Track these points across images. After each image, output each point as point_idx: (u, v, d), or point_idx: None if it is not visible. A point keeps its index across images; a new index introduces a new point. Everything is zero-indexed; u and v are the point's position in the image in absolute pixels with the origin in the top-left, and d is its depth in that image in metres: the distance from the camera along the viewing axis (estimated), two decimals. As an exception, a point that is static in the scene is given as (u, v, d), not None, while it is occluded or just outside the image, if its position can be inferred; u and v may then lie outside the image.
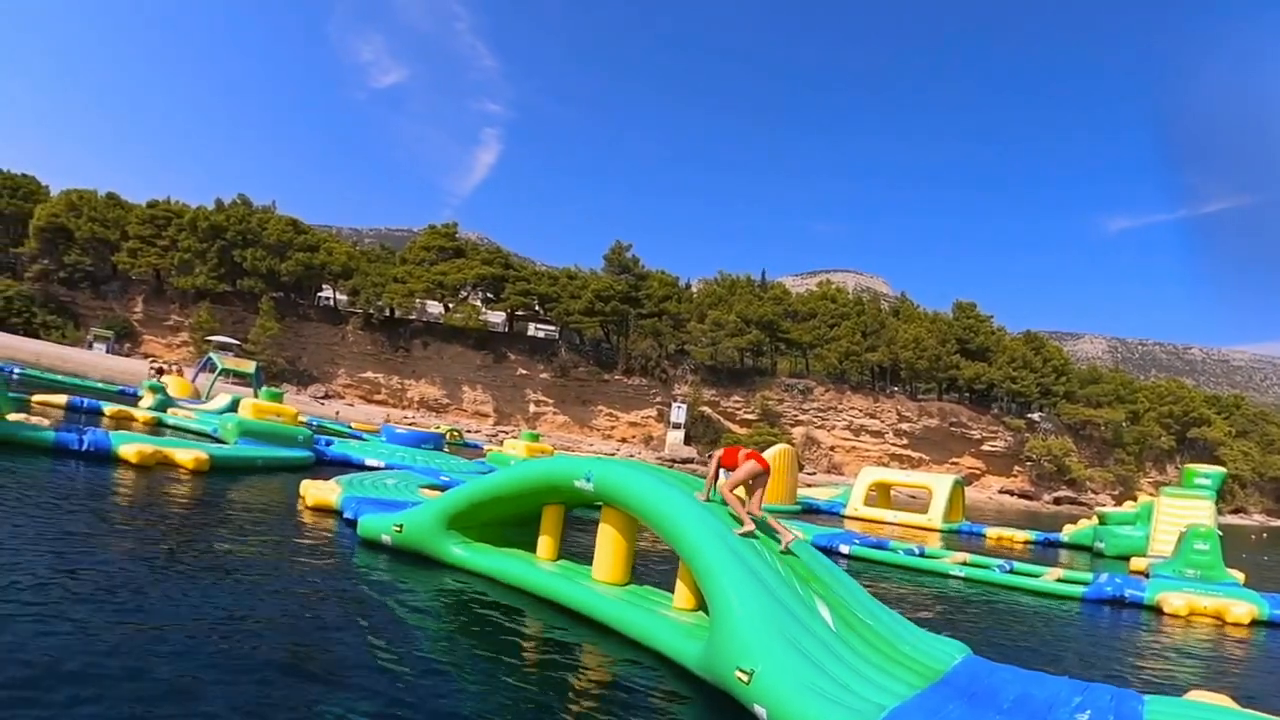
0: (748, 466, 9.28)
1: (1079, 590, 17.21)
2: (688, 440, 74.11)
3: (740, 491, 9.53)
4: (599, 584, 9.69)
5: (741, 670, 6.40)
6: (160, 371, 38.62)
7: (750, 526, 8.72)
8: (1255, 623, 16.02)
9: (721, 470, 9.53)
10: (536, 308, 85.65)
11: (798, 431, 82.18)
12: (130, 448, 15.92)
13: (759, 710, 6.12)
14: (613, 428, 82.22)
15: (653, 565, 12.99)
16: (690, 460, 67.74)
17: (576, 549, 11.64)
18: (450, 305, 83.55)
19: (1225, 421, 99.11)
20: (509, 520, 11.21)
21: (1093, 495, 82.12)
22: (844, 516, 33.53)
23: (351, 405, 73.02)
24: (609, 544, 9.86)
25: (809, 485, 46.62)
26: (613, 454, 65.28)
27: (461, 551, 10.77)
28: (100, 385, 38.72)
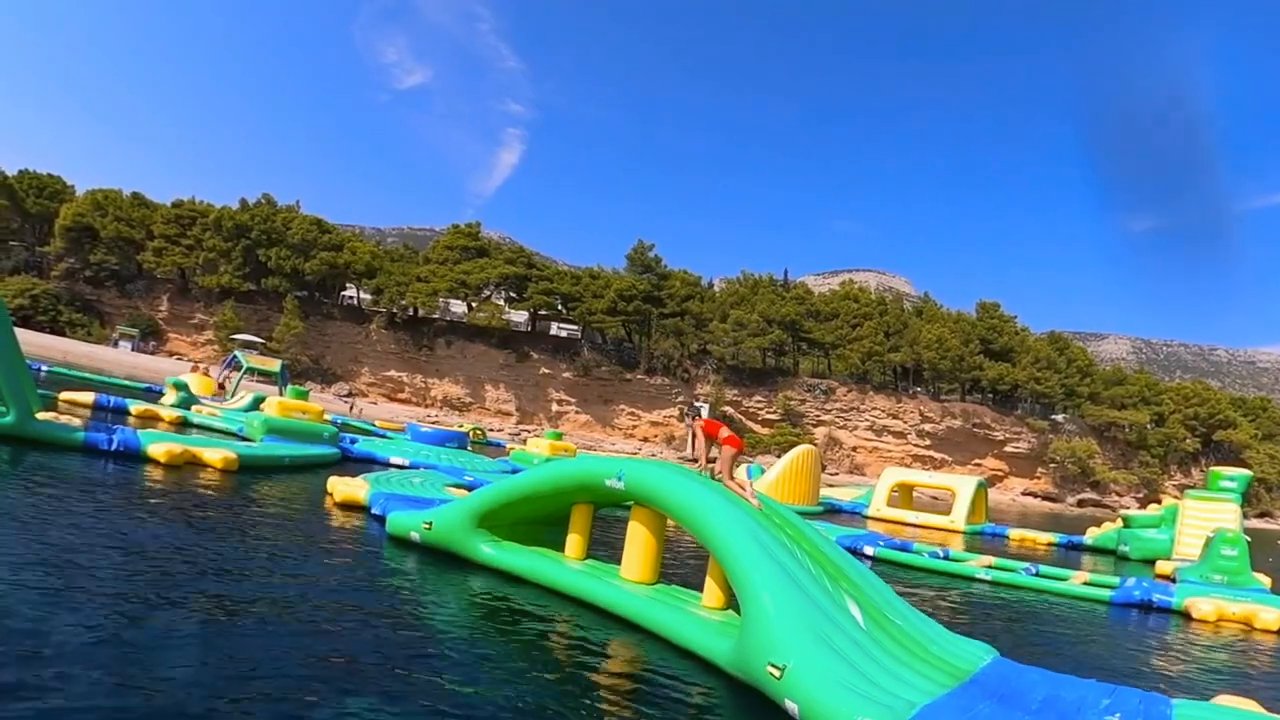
0: (730, 452, 10.22)
1: (1106, 594, 17.12)
2: (709, 441, 73.99)
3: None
4: (628, 582, 9.75)
5: (774, 666, 6.45)
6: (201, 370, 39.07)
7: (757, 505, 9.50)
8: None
9: (706, 439, 10.59)
10: (559, 307, 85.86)
11: (820, 432, 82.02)
12: (159, 447, 16.07)
13: (790, 705, 6.17)
14: (635, 427, 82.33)
15: (681, 564, 13.03)
16: (712, 460, 67.62)
17: (604, 548, 11.70)
18: (473, 304, 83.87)
19: (1251, 424, 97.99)
20: (538, 519, 11.28)
21: (1117, 498, 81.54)
22: (866, 517, 33.43)
23: (375, 404, 73.52)
24: (638, 543, 9.92)
25: (831, 486, 46.50)
26: (635, 453, 65.35)
27: (490, 550, 10.84)
28: (126, 383, 39.10)
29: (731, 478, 10.00)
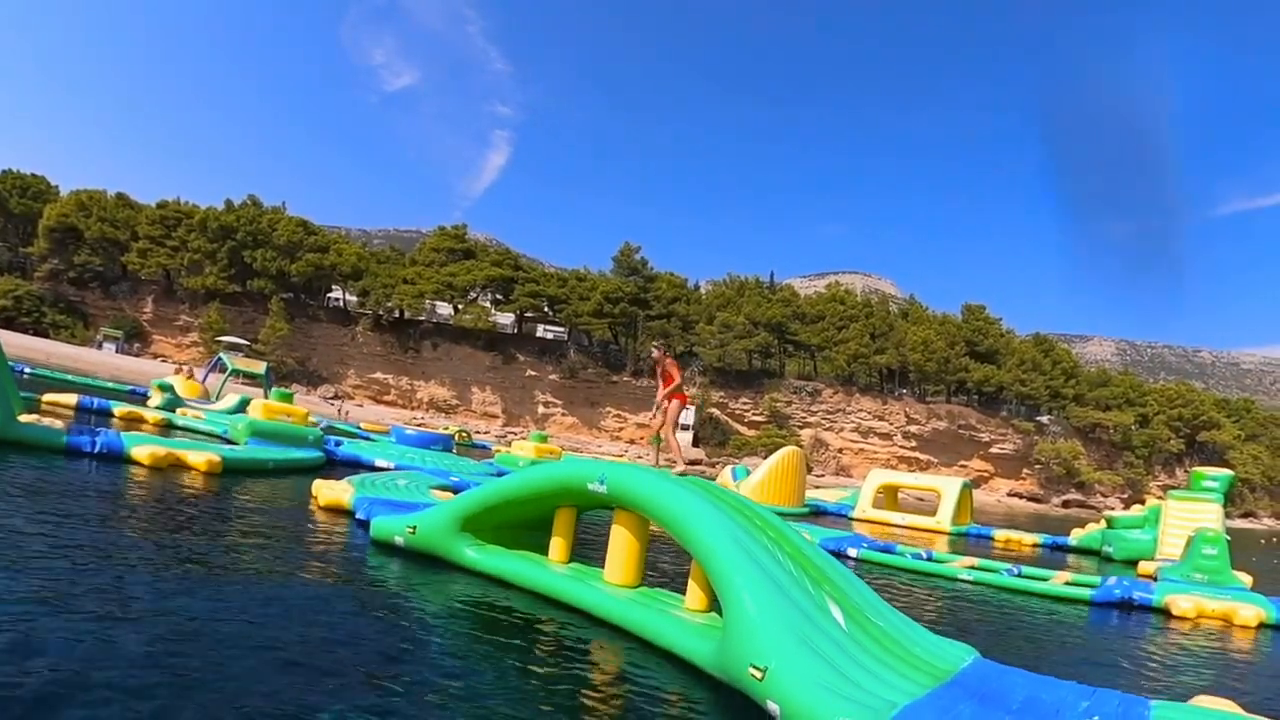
0: (675, 407, 12.02)
1: (1087, 593, 17.21)
2: (696, 442, 74.15)
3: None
4: (611, 586, 9.75)
5: (755, 667, 6.48)
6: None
7: (683, 468, 10.88)
8: (1263, 626, 16.03)
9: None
10: (546, 309, 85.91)
11: (806, 433, 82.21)
12: (143, 449, 15.96)
13: (772, 706, 6.19)
14: (621, 429, 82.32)
15: (664, 567, 13.05)
16: (698, 461, 67.82)
17: (588, 551, 11.70)
18: (460, 306, 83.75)
19: (1235, 425, 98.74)
20: (521, 523, 11.28)
21: (1101, 498, 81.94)
22: (852, 519, 33.49)
23: (361, 406, 73.33)
24: (621, 546, 9.92)
25: (817, 487, 46.55)
26: (620, 455, 65.33)
27: (474, 554, 10.82)
28: (110, 385, 38.91)
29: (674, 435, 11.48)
